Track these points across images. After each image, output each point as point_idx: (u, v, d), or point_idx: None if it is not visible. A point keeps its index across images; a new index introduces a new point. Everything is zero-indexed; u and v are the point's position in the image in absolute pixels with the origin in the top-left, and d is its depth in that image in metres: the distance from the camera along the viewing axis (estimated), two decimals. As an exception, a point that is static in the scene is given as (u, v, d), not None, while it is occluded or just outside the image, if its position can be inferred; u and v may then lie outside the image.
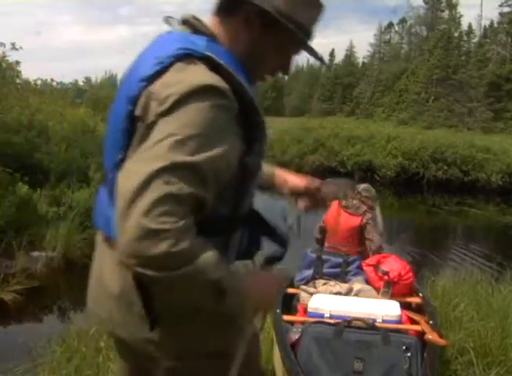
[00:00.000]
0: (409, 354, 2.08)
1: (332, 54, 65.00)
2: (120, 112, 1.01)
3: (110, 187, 1.03)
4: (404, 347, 2.10)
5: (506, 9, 39.72)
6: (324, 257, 3.34)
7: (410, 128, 23.31)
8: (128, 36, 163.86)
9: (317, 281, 3.11)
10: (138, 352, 1.08)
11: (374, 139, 16.92)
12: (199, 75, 0.93)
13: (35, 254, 5.51)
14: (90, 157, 7.34)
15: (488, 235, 9.98)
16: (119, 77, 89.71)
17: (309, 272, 3.22)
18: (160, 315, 1.01)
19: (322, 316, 2.46)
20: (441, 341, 2.37)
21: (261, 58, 1.07)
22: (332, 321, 2.34)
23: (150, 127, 0.92)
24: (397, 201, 13.92)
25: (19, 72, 9.86)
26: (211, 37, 1.03)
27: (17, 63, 9.50)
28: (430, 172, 15.10)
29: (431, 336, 2.32)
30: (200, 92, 0.90)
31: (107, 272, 1.07)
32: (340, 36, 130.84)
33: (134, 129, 0.98)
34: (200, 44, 0.99)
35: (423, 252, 7.72)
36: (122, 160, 0.98)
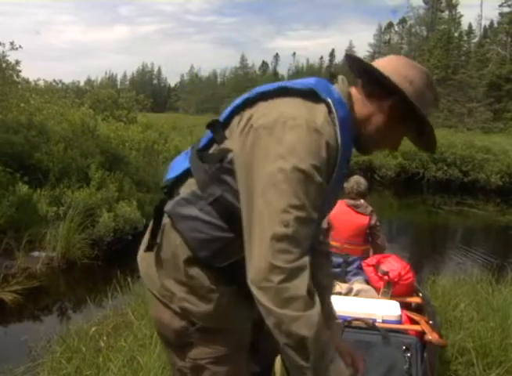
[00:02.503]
0: (409, 354, 2.07)
1: (332, 54, 65.11)
2: (234, 104, 1.17)
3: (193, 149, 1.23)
4: (404, 347, 2.09)
5: (506, 9, 39.79)
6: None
7: (410, 128, 23.30)
8: (127, 36, 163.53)
9: (317, 281, 3.11)
10: None
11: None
12: (315, 113, 1.07)
13: (35, 254, 5.51)
14: (90, 157, 7.34)
15: (488, 235, 9.98)
16: (119, 77, 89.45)
17: (309, 273, 3.21)
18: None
19: None
20: (442, 342, 2.36)
21: (383, 140, 1.23)
22: (332, 321, 2.33)
23: (253, 136, 1.06)
24: (397, 201, 13.92)
25: (19, 71, 9.88)
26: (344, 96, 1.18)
27: (17, 62, 9.51)
28: (430, 172, 15.11)
29: (432, 337, 2.32)
30: (310, 127, 1.03)
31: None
32: (340, 36, 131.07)
33: (228, 122, 1.15)
34: (332, 93, 1.13)
35: (423, 252, 7.73)
36: (211, 140, 1.18)
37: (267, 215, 0.98)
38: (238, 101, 1.16)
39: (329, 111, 1.09)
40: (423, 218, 11.56)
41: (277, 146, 1.01)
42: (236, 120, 1.13)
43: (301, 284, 0.95)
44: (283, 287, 0.94)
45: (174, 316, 1.17)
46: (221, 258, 1.11)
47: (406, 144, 1.26)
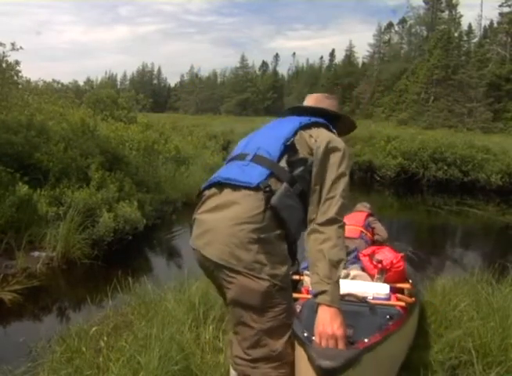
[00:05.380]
0: (391, 323, 2.35)
1: (332, 54, 65.00)
2: (284, 131, 1.87)
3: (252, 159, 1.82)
4: (388, 316, 2.42)
5: (506, 9, 39.60)
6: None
7: (410, 129, 23.30)
8: (127, 36, 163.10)
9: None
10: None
11: (374, 140, 16.93)
12: (338, 139, 1.89)
13: (35, 254, 5.51)
14: (90, 157, 7.34)
15: (488, 235, 9.97)
16: (119, 77, 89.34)
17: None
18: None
19: None
20: (408, 300, 2.78)
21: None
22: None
23: (321, 156, 1.77)
24: (397, 201, 13.91)
25: (19, 71, 9.87)
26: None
27: (17, 63, 9.51)
28: (430, 172, 15.08)
29: (400, 296, 2.81)
30: (345, 145, 1.84)
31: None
32: (340, 36, 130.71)
33: (287, 148, 1.81)
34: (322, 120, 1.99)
35: (423, 252, 7.72)
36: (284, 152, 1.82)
37: (336, 193, 1.70)
38: (294, 128, 1.85)
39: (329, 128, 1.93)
40: (423, 218, 11.55)
41: (334, 155, 1.76)
42: (296, 138, 1.82)
43: (344, 233, 1.71)
44: (341, 231, 1.68)
45: (262, 282, 1.63)
46: (297, 231, 1.76)
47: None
